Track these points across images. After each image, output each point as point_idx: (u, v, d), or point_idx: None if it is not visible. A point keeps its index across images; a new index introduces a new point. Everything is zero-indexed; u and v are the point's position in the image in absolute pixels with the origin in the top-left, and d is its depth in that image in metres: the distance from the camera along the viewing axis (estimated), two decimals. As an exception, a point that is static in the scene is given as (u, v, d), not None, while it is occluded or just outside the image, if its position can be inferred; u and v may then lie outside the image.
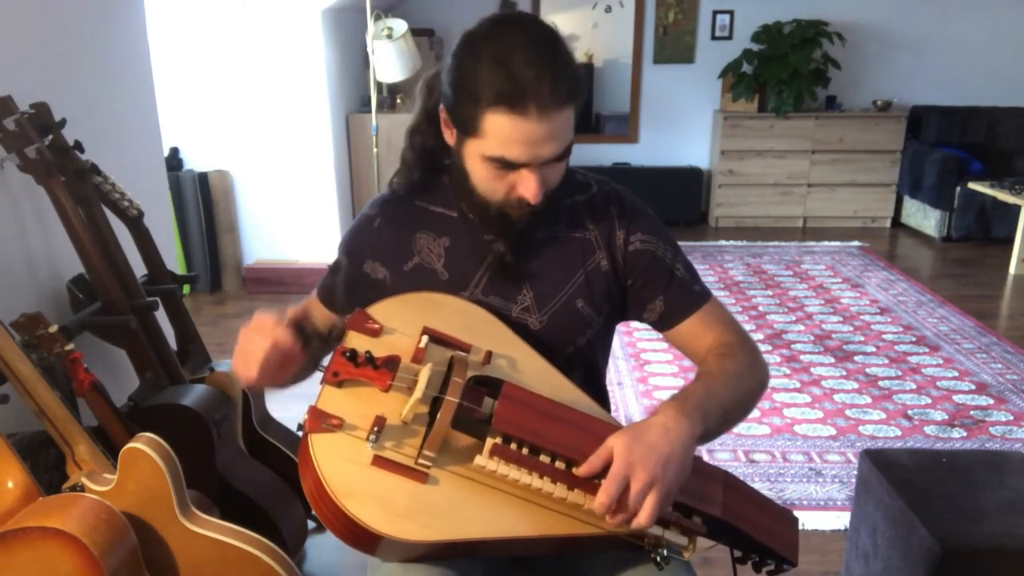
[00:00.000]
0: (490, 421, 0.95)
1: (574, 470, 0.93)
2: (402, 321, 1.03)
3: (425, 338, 1.00)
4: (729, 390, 1.04)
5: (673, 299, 1.14)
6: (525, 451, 0.94)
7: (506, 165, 0.98)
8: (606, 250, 1.14)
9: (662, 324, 1.16)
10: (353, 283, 1.17)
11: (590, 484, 0.93)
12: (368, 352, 0.95)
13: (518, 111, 0.92)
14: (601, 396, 1.22)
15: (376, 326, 1.01)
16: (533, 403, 0.96)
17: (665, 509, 0.92)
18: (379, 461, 0.90)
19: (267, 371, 0.97)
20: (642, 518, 0.90)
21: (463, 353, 1.00)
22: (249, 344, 0.97)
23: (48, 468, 1.64)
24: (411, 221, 1.14)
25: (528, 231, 1.09)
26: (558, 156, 0.99)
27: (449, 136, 1.06)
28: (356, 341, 1.00)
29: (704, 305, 1.15)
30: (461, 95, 0.96)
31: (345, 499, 0.87)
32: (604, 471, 0.91)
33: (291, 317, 1.01)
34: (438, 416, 0.92)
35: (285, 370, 1.00)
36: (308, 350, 1.03)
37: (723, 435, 1.19)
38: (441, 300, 1.07)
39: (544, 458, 0.94)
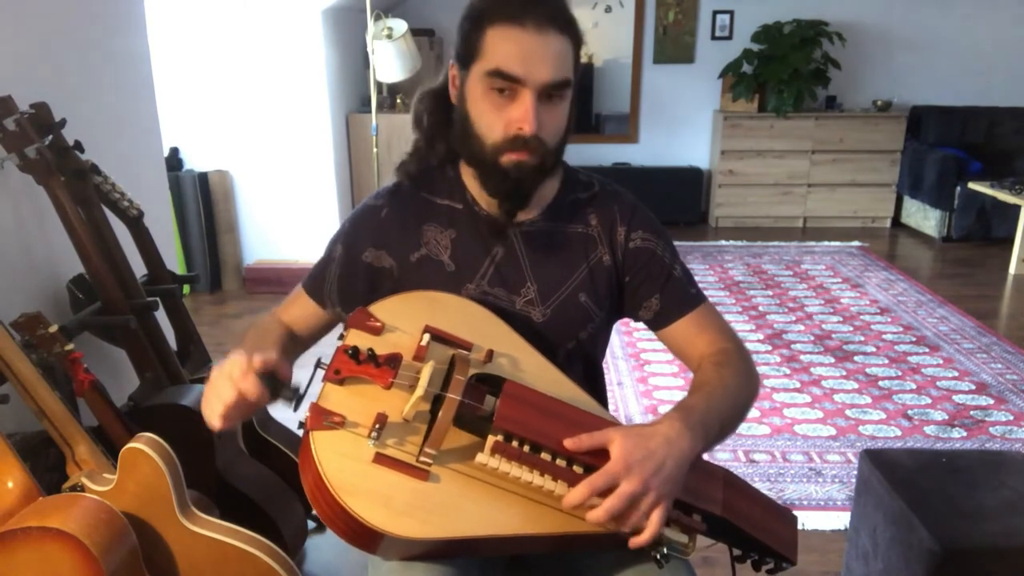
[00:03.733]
0: (491, 419, 0.95)
1: (566, 442, 0.93)
2: (404, 319, 1.03)
3: (427, 336, 1.00)
4: (728, 404, 1.05)
5: (669, 298, 1.16)
6: (526, 449, 0.93)
7: (504, 79, 1.00)
8: (607, 245, 1.16)
9: (656, 323, 1.18)
10: (348, 273, 1.17)
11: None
12: (370, 350, 0.95)
13: (516, 22, 0.99)
14: (600, 394, 1.23)
15: (378, 324, 1.01)
16: (535, 401, 0.97)
17: (649, 519, 0.92)
18: (380, 458, 0.90)
19: (230, 420, 0.95)
20: (629, 523, 0.91)
21: (465, 351, 1.01)
22: (217, 390, 0.95)
23: (48, 468, 1.64)
24: (418, 212, 1.16)
25: (527, 188, 1.07)
26: (555, 85, 1.01)
27: (454, 92, 1.09)
28: (358, 339, 0.99)
29: (699, 307, 1.17)
30: (467, 26, 1.03)
31: (346, 496, 0.86)
32: (589, 457, 0.92)
33: (261, 363, 0.95)
34: (440, 414, 0.92)
35: (251, 410, 0.97)
36: (279, 393, 0.99)
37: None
38: (443, 299, 1.07)
39: (545, 456, 0.93)
